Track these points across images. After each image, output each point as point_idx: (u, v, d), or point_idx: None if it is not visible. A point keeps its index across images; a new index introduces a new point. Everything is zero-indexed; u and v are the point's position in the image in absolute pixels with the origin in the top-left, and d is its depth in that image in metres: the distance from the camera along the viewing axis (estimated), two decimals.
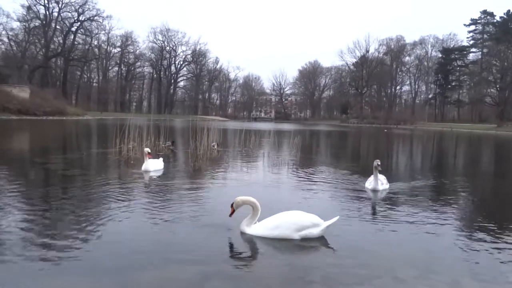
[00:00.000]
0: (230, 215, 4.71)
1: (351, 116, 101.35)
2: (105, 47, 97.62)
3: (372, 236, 4.78)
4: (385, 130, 51.55)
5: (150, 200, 6.18)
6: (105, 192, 6.62)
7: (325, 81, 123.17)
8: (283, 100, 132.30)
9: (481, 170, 13.71)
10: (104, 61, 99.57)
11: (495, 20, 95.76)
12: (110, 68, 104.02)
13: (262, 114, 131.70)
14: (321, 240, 4.54)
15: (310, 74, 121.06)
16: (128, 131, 12.15)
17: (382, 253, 4.18)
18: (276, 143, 18.90)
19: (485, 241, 4.68)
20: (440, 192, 7.90)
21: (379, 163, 7.59)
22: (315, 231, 4.57)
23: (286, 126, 54.90)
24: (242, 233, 4.58)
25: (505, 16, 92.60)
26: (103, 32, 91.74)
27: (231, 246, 4.31)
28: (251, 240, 4.42)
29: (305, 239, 4.48)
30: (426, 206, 6.46)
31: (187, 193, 6.83)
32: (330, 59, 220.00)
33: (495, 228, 5.26)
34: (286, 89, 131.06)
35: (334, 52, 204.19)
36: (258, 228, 4.59)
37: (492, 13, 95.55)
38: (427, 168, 13.68)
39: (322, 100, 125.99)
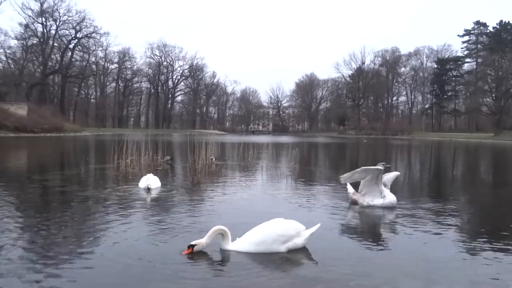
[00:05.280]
0: (186, 254, 4.21)
1: (348, 127, 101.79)
2: (103, 63, 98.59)
3: (371, 247, 4.76)
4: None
5: (148, 216, 6.15)
6: (102, 208, 6.59)
7: (322, 93, 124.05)
8: (281, 113, 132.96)
9: (480, 179, 13.72)
10: (102, 77, 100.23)
11: (488, 31, 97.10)
12: (107, 84, 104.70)
13: (260, 127, 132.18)
14: (319, 250, 4.48)
15: (307, 87, 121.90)
16: (126, 147, 12.14)
17: (381, 264, 4.15)
18: (275, 156, 18.92)
19: (486, 250, 4.66)
20: (439, 202, 7.87)
21: (384, 163, 7.16)
22: (299, 241, 4.44)
23: (284, 139, 54.98)
24: (226, 250, 4.38)
25: (498, 26, 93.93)
26: (101, 48, 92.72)
27: (226, 262, 4.25)
28: (237, 256, 4.27)
29: (292, 251, 4.39)
30: (425, 216, 6.44)
31: (185, 208, 6.80)
32: (326, 71, 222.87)
33: (496, 237, 5.24)
34: (283, 102, 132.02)
35: (330, 64, 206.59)
36: (242, 244, 4.38)
37: (485, 23, 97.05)
38: (425, 177, 13.69)
39: (319, 112, 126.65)
